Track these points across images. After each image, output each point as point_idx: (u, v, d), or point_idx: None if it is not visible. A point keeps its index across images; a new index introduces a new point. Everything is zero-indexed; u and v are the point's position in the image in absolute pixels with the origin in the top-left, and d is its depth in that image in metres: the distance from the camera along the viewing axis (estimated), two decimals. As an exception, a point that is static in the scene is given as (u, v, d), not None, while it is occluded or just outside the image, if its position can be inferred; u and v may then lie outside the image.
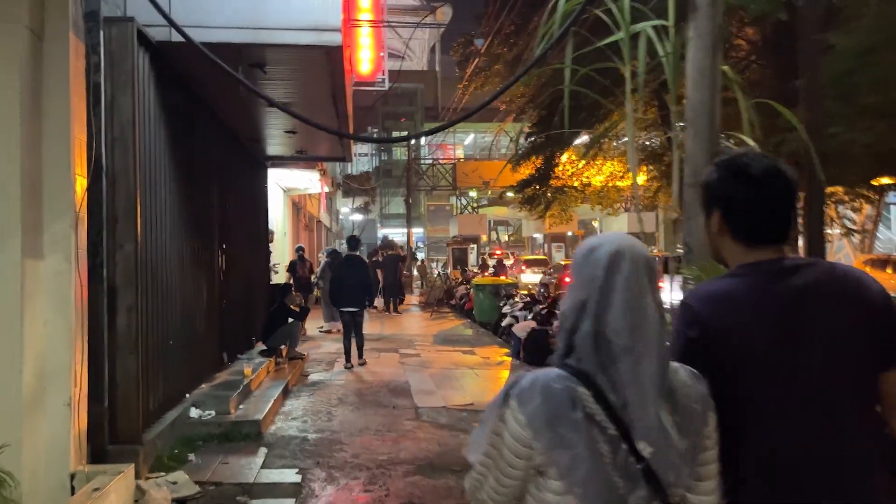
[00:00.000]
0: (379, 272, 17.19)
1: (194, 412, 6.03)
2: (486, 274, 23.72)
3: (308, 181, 14.33)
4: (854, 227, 22.80)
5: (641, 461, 1.26)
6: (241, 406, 6.57)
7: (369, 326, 13.77)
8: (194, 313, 6.82)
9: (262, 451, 5.54)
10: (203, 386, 6.80)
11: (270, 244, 13.40)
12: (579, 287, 1.36)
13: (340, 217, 41.83)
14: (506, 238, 52.22)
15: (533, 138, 21.36)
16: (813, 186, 8.38)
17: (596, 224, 41.77)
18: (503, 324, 14.40)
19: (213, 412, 6.07)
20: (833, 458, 1.44)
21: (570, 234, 39.39)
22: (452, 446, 5.75)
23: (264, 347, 9.45)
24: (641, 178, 24.80)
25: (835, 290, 1.50)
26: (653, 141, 23.22)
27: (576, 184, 23.50)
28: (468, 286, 19.96)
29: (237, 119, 8.23)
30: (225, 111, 7.79)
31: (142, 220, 5.04)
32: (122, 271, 4.78)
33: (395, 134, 45.62)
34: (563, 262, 30.67)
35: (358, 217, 42.68)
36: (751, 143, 4.63)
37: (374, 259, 17.65)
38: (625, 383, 1.28)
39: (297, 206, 18.23)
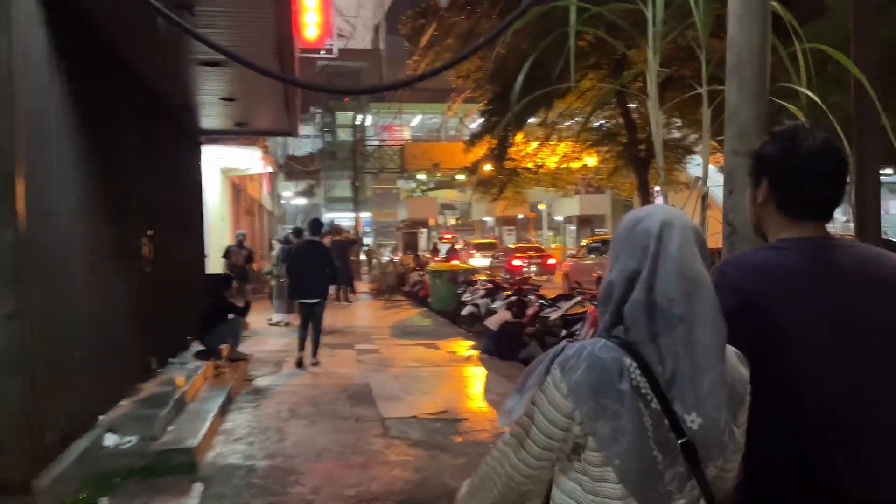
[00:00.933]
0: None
1: (110, 439, 4.84)
2: (437, 259, 22.79)
3: (249, 160, 13.00)
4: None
5: (681, 437, 1.21)
6: (171, 427, 5.39)
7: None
8: (111, 314, 5.58)
9: (198, 488, 4.41)
10: (123, 403, 5.60)
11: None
12: (627, 257, 1.30)
13: (283, 202, 40.12)
14: (453, 222, 51.39)
15: (487, 116, 20.49)
16: (866, 161, 7.42)
17: (542, 207, 41.32)
18: (463, 312, 13.47)
19: (134, 438, 4.90)
20: (883, 459, 1.37)
21: (521, 216, 38.76)
22: (432, 472, 4.74)
23: (201, 347, 8.25)
24: (594, 160, 24.25)
25: (886, 276, 1.44)
26: (609, 121, 22.66)
27: (529, 165, 22.74)
28: (422, 272, 18.97)
29: (162, 81, 6.95)
30: (146, 70, 6.51)
31: (28, 200, 3.83)
32: (-1, 267, 3.58)
33: (341, 114, 44.04)
34: (511, 246, 29.97)
35: (302, 201, 41.07)
36: (808, 94, 3.74)
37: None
38: (677, 353, 1.22)
39: (238, 188, 16.80)
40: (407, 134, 46.46)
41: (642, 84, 15.58)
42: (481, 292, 13.55)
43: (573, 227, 39.51)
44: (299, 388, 7.33)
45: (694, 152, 23.52)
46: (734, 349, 1.31)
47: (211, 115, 8.70)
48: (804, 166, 1.49)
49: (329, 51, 11.67)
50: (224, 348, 8.45)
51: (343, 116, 44.31)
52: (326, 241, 17.77)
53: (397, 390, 7.23)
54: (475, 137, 21.28)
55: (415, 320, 13.69)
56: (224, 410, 6.34)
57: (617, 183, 23.78)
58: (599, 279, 20.11)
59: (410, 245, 30.94)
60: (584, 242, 24.86)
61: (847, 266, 1.44)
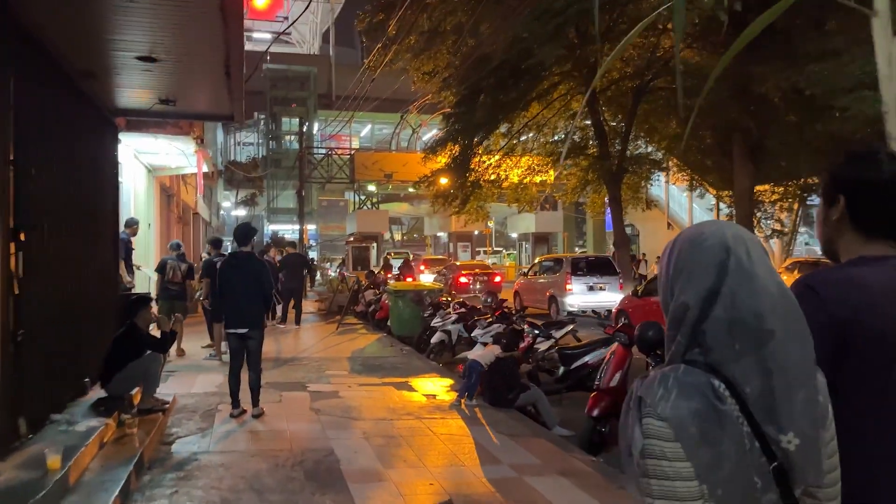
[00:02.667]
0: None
1: None
2: (390, 276, 20.87)
3: (180, 157, 10.84)
4: (781, 229, 21.82)
5: (773, 461, 1.15)
6: (24, 552, 3.34)
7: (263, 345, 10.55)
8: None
9: None
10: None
11: (130, 238, 9.86)
12: (700, 275, 1.22)
13: (222, 212, 37.39)
14: (399, 237, 49.40)
15: (451, 122, 18.84)
16: None
17: (491, 224, 39.85)
18: (433, 340, 11.61)
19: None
20: None
21: (476, 232, 37.10)
22: None
23: (104, 394, 6.15)
24: (550, 175, 22.84)
25: None
26: (576, 133, 21.32)
27: (492, 177, 21.19)
28: (378, 291, 17.01)
29: (51, 23, 4.90)
30: (28, 13, 4.48)
31: None
32: None
33: (286, 120, 41.68)
34: (457, 263, 28.27)
35: (242, 212, 38.42)
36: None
37: (265, 259, 14.22)
38: (769, 370, 1.16)
39: (168, 192, 14.49)
40: (356, 144, 44.41)
41: (613, 95, 13.73)
42: (453, 317, 11.72)
43: (523, 244, 38.24)
44: (237, 460, 5.28)
45: (662, 168, 22.46)
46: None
47: (128, 88, 6.63)
48: (885, 186, 1.52)
49: (281, 21, 9.59)
50: (135, 394, 6.36)
51: (289, 124, 42.02)
52: (273, 253, 15.69)
53: (373, 461, 5.27)
54: (437, 145, 19.55)
55: (375, 349, 11.72)
56: (124, 501, 4.29)
57: (588, 197, 22.45)
58: (552, 298, 19.00)
59: (361, 260, 28.85)
60: (536, 260, 23.67)
61: None
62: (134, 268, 10.42)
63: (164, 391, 7.35)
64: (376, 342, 12.60)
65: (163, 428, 5.98)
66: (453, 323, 11.60)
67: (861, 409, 1.40)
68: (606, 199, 22.91)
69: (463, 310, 11.93)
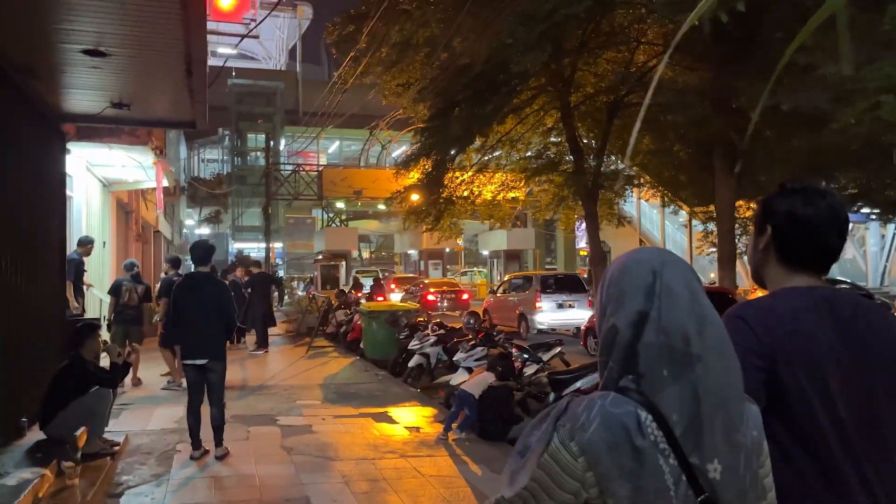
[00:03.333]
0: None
1: None
2: (359, 295, 20.16)
3: (138, 170, 10.01)
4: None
5: (700, 494, 1.13)
6: None
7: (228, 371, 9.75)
8: None
9: None
10: None
11: (82, 258, 9.03)
12: (630, 298, 1.22)
13: (185, 230, 36.18)
14: (367, 255, 48.60)
15: (424, 136, 18.31)
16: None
17: (460, 241, 39.33)
18: (411, 364, 10.93)
19: None
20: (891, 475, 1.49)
21: (448, 250, 36.50)
22: None
23: (44, 437, 5.37)
24: (520, 194, 22.52)
25: (874, 318, 1.57)
26: (551, 148, 20.99)
27: (465, 193, 20.72)
28: (349, 311, 16.27)
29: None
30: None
31: None
32: None
33: (252, 136, 40.76)
34: (425, 281, 27.67)
35: (205, 230, 37.30)
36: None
37: (231, 279, 13.40)
38: (697, 396, 1.14)
39: (126, 208, 13.60)
40: (324, 161, 43.64)
41: (587, 110, 13.30)
42: (431, 339, 11.07)
43: (495, 262, 37.77)
44: (197, 513, 4.56)
45: (636, 184, 22.23)
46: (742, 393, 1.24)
47: (75, 89, 5.90)
48: (812, 224, 1.57)
49: (248, 23, 8.94)
50: (80, 435, 5.57)
51: (255, 140, 41.12)
52: (239, 272, 14.84)
53: (357, 513, 4.59)
54: (410, 160, 18.97)
55: (349, 375, 10.98)
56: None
57: (562, 213, 22.07)
58: (522, 316, 18.61)
59: (330, 279, 28.02)
60: (506, 278, 23.40)
61: (845, 309, 1.56)
62: (85, 288, 9.57)
63: (116, 429, 6.57)
64: (349, 367, 11.86)
65: (111, 476, 5.20)
66: (432, 345, 10.95)
67: (794, 437, 1.47)
68: (577, 217, 22.62)
69: (442, 331, 11.30)
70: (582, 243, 36.95)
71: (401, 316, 12.73)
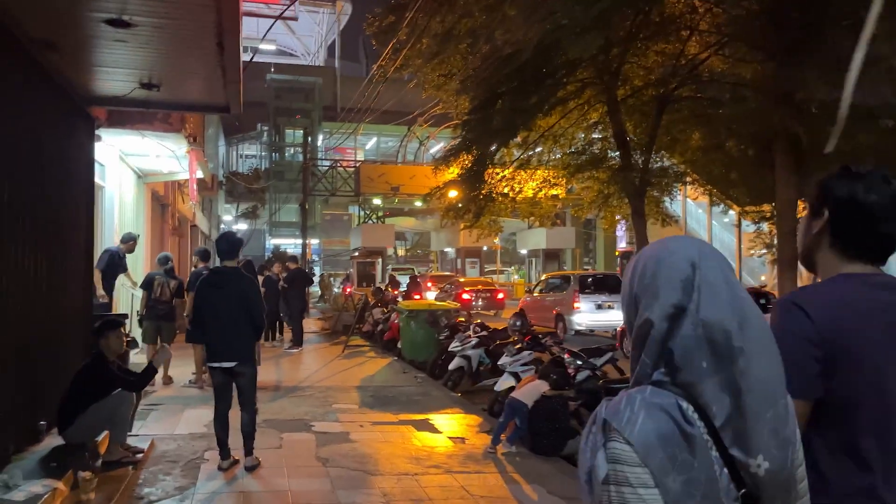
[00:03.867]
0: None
1: None
2: (396, 293, 19.70)
3: (172, 160, 9.63)
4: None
5: (741, 488, 1.08)
6: None
7: (260, 371, 9.33)
8: None
9: None
10: None
11: (124, 253, 8.71)
12: (665, 291, 1.15)
13: (222, 225, 36.21)
14: (402, 253, 48.18)
15: (466, 130, 17.78)
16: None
17: (497, 240, 38.63)
18: (451, 366, 10.38)
19: None
20: None
21: (485, 248, 35.88)
22: None
23: (61, 442, 4.96)
24: (559, 191, 21.91)
25: None
26: (594, 145, 20.33)
27: (506, 190, 20.11)
28: (386, 309, 15.81)
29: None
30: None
31: None
32: None
33: (290, 132, 40.68)
34: (460, 280, 27.12)
35: (243, 226, 37.29)
36: None
37: (266, 275, 13.01)
38: (739, 389, 1.08)
39: (161, 201, 13.32)
40: (361, 157, 43.39)
41: (635, 104, 12.38)
42: (473, 341, 10.50)
43: (533, 261, 37.01)
44: (223, 536, 4.06)
45: (686, 182, 21.39)
46: None
47: (100, 67, 5.47)
48: (874, 212, 1.50)
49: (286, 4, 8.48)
50: (101, 441, 5.14)
51: (292, 136, 41.03)
52: (276, 269, 14.45)
53: (401, 540, 4.06)
54: (450, 154, 18.42)
55: (387, 377, 10.49)
56: None
57: (608, 212, 21.31)
58: (559, 317, 17.99)
59: (366, 276, 27.63)
60: (543, 277, 22.82)
61: None
62: (130, 285, 9.28)
63: (143, 432, 6.17)
64: (387, 368, 11.37)
65: (132, 487, 4.76)
66: (474, 347, 10.39)
67: (840, 431, 1.43)
68: (618, 217, 21.83)
69: (484, 332, 10.73)
70: (622, 243, 35.99)
71: (440, 316, 12.18)
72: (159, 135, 7.97)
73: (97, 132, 7.17)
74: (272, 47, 49.35)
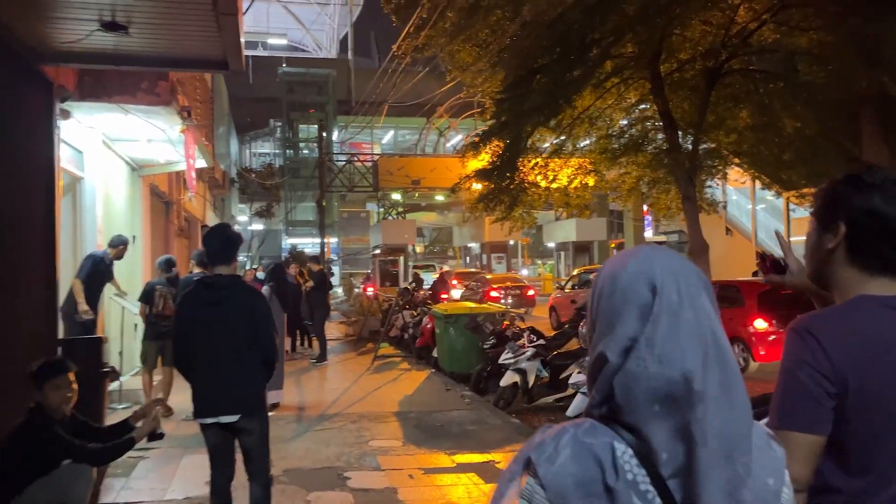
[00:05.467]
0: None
1: None
2: (422, 293, 18.09)
3: (166, 146, 7.92)
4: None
5: None
6: None
7: (277, 393, 7.75)
8: None
9: None
10: None
11: (112, 260, 7.17)
12: (620, 321, 1.01)
13: (237, 226, 34.78)
14: (421, 249, 46.61)
15: (498, 112, 16.20)
16: None
17: (521, 235, 37.00)
18: (503, 383, 8.80)
19: None
20: None
21: (511, 242, 34.16)
22: None
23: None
24: (613, 173, 20.40)
25: None
26: (635, 126, 18.81)
27: (539, 180, 18.44)
28: (417, 312, 14.22)
29: None
30: None
31: None
32: None
33: (304, 127, 39.19)
34: (487, 276, 25.61)
35: (259, 226, 35.83)
36: None
37: (280, 277, 11.28)
38: (692, 440, 0.94)
39: (164, 198, 11.76)
40: (378, 151, 41.85)
41: (679, 79, 10.55)
42: (528, 351, 8.85)
43: (562, 255, 35.27)
44: None
45: (736, 164, 19.68)
46: (761, 426, 1.06)
47: (48, 3, 3.88)
48: (892, 212, 1.38)
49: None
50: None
51: (307, 131, 39.56)
52: (293, 270, 12.84)
53: None
54: (481, 138, 16.77)
55: (428, 396, 8.86)
56: None
57: (653, 198, 19.57)
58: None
59: (388, 275, 26.06)
60: (575, 272, 21.35)
61: None
62: (120, 297, 7.74)
63: (121, 500, 4.57)
64: (426, 384, 9.74)
65: None
66: (529, 359, 8.77)
67: (847, 472, 1.32)
68: (667, 206, 20.12)
69: (541, 341, 9.08)
70: (648, 233, 34.01)
71: (484, 320, 10.51)
72: (145, 110, 6.37)
73: (63, 106, 5.60)
74: (283, 41, 48.02)
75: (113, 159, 8.34)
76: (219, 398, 3.54)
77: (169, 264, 7.71)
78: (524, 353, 8.85)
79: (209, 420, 3.56)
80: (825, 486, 1.31)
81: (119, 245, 7.32)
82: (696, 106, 16.14)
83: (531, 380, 8.66)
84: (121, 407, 7.17)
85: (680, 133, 16.40)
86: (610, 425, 0.98)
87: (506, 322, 10.99)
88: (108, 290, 7.60)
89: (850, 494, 1.31)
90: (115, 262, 7.40)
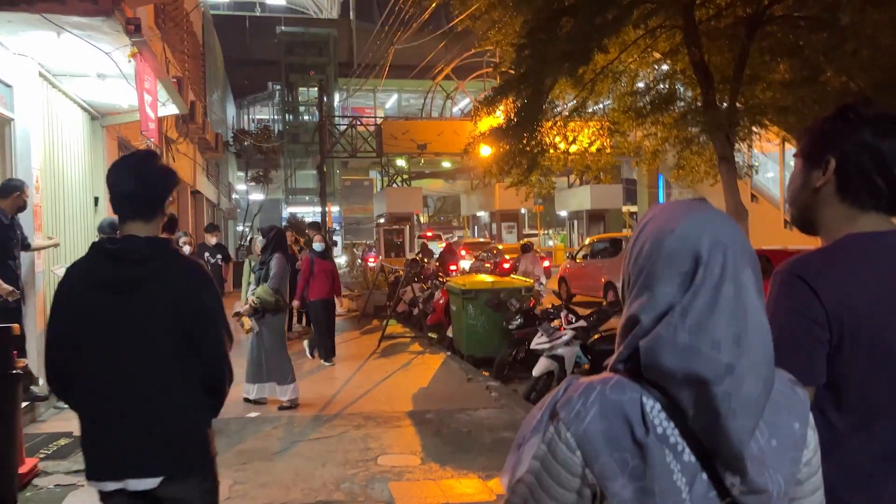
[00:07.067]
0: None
1: None
2: (433, 264, 16.54)
3: (119, 81, 6.30)
4: None
5: (726, 497, 0.94)
6: None
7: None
8: None
9: None
10: None
11: (12, 215, 5.61)
12: (661, 286, 0.97)
13: (235, 195, 33.15)
14: (425, 219, 45.01)
15: (517, 61, 14.53)
16: None
17: (525, 205, 35.34)
18: (536, 372, 7.35)
19: None
20: None
21: (523, 210, 32.49)
22: None
23: None
24: (637, 134, 18.73)
25: None
26: (663, 82, 17.06)
27: (559, 141, 16.75)
28: (427, 286, 12.77)
29: None
30: None
31: None
32: None
33: (304, 90, 37.35)
34: (500, 246, 24.13)
35: (260, 196, 34.21)
36: None
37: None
38: (715, 412, 0.91)
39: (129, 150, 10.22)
40: (381, 115, 40.04)
41: (714, 28, 8.67)
42: (566, 335, 7.35)
43: (574, 223, 33.64)
44: None
45: (780, 122, 18.01)
46: (784, 373, 1.04)
47: None
48: (885, 159, 1.32)
49: None
50: None
51: (307, 94, 37.73)
52: (289, 237, 11.14)
53: None
54: (501, 90, 15.08)
55: (446, 387, 7.40)
56: None
57: (687, 159, 17.95)
58: (610, 285, 14.90)
59: (393, 246, 24.53)
60: (587, 241, 19.97)
61: None
62: (41, 269, 6.20)
63: None
64: (442, 371, 8.28)
65: None
66: (567, 344, 7.30)
67: (849, 419, 1.28)
68: (666, 174, 18.50)
69: (581, 323, 7.58)
70: (661, 199, 32.32)
71: (507, 297, 8.97)
72: (82, 23, 4.78)
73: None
74: (281, 2, 45.89)
75: (60, 101, 6.76)
76: (126, 449, 2.04)
77: (113, 227, 5.80)
78: (561, 336, 7.36)
79: (110, 486, 2.06)
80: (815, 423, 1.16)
81: (13, 192, 5.34)
82: (730, 59, 14.46)
83: (570, 368, 7.23)
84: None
85: (722, 86, 14.79)
86: (637, 381, 0.96)
87: (532, 299, 9.50)
88: (48, 263, 6.08)
89: (839, 429, 1.26)
90: (30, 219, 5.66)
